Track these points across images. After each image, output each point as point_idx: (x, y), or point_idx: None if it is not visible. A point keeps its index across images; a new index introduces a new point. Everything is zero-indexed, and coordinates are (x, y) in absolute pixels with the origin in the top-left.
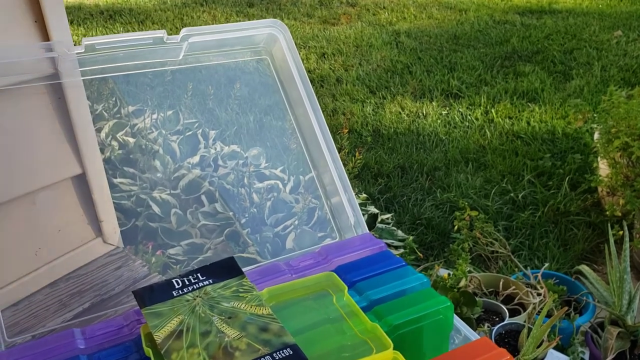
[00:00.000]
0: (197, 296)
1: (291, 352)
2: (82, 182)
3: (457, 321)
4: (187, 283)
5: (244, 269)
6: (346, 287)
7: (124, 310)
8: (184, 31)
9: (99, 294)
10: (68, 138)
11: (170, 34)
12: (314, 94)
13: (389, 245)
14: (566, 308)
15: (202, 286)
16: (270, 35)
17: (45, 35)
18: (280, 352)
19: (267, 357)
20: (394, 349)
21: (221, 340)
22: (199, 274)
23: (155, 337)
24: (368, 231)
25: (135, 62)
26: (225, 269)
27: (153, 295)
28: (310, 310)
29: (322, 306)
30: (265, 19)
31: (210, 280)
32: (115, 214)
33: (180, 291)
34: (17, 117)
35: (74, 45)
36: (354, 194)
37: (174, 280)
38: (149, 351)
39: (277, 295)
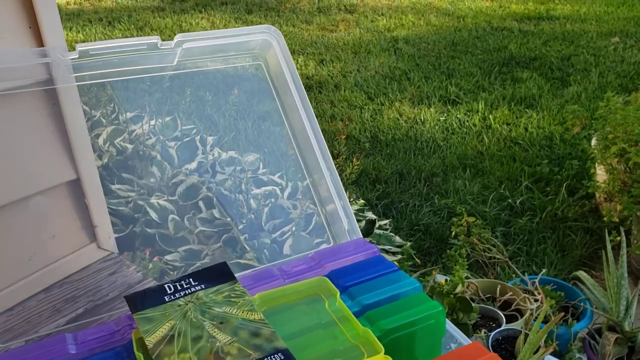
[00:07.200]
0: (189, 301)
1: (282, 357)
2: (76, 187)
3: (451, 328)
4: (179, 288)
5: (236, 274)
6: (338, 292)
7: (117, 316)
8: (178, 37)
9: (93, 299)
10: (62, 143)
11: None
12: (308, 100)
13: (386, 251)
14: (563, 314)
15: (194, 291)
16: (265, 41)
17: (40, 41)
18: (272, 357)
19: None
20: (387, 353)
21: (212, 345)
22: (191, 279)
23: (147, 342)
24: (362, 237)
25: (130, 68)
26: (217, 274)
27: (145, 300)
28: (303, 315)
29: (314, 311)
30: (259, 25)
31: (203, 286)
32: (109, 219)
33: (172, 296)
34: (11, 123)
35: (69, 51)
36: (348, 201)
37: (166, 286)
38: (140, 356)
39: (269, 300)
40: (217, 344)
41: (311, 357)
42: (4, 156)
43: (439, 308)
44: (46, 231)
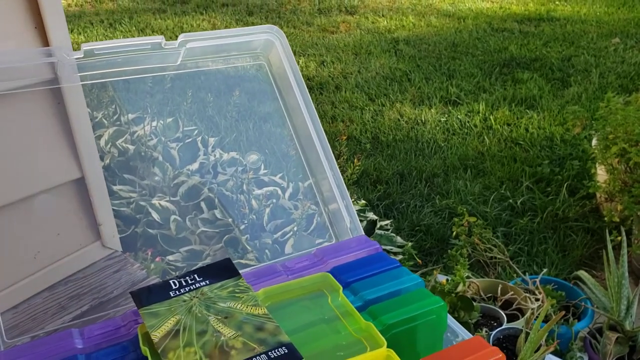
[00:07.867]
0: (193, 296)
1: (286, 351)
2: (81, 185)
3: (454, 323)
4: (184, 284)
5: (240, 271)
6: (341, 288)
7: (122, 313)
8: (181, 37)
9: (98, 297)
10: (67, 142)
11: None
12: (311, 100)
13: (387, 251)
14: (563, 312)
15: (198, 287)
16: (267, 40)
17: (45, 41)
18: (276, 350)
19: (263, 355)
20: (389, 347)
21: (217, 339)
22: (195, 275)
23: (153, 336)
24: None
25: (134, 67)
26: (221, 270)
27: (150, 295)
28: (306, 310)
29: (317, 306)
30: (262, 25)
31: (207, 281)
32: (113, 217)
33: (177, 292)
34: (17, 122)
35: (73, 50)
36: (351, 201)
37: (171, 281)
38: (146, 350)
39: (273, 295)
40: (222, 338)
41: (314, 351)
42: (9, 155)
43: (440, 303)
44: (51, 229)
